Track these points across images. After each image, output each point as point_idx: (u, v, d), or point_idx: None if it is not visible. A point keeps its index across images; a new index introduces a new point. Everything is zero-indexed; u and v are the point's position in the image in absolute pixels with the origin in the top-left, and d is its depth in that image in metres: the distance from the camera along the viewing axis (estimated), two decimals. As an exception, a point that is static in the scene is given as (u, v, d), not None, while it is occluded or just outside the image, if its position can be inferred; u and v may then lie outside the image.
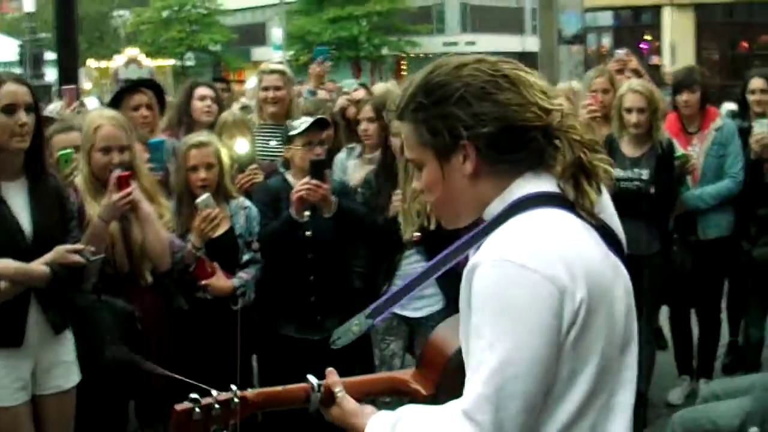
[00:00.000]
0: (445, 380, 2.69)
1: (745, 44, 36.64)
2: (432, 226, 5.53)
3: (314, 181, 5.58)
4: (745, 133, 7.50)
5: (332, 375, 2.78)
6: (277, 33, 45.59)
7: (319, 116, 6.14)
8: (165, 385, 3.74)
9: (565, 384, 2.34)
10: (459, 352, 2.56)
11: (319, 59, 8.42)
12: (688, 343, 7.71)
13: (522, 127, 2.42)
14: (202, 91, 7.55)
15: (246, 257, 5.82)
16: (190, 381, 2.81)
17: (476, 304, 2.32)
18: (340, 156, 7.12)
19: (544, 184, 2.43)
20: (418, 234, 5.82)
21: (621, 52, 7.95)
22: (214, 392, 2.71)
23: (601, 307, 2.36)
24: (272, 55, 38.94)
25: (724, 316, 7.94)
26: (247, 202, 5.93)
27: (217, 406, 2.69)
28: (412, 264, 5.96)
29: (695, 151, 7.37)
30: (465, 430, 2.30)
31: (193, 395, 2.66)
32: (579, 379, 2.35)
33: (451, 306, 5.90)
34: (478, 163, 2.43)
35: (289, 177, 6.05)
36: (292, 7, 50.51)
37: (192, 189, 5.72)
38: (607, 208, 2.56)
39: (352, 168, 6.94)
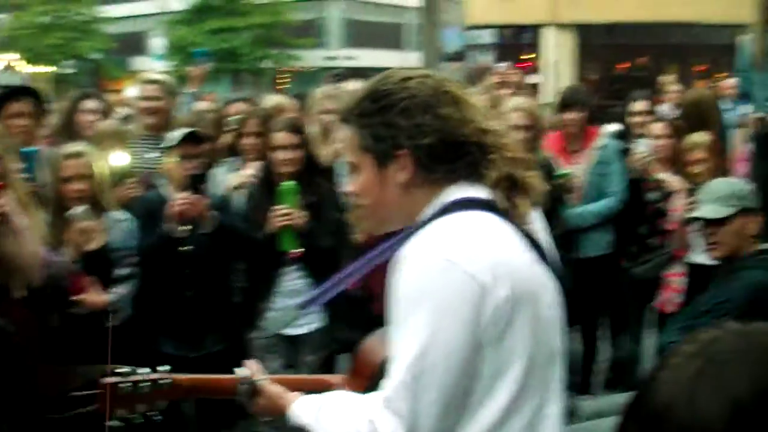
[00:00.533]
0: (372, 389, 2.67)
1: (624, 66, 37.33)
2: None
3: (193, 196, 5.44)
4: (625, 153, 7.60)
5: (253, 366, 2.86)
6: (157, 43, 45.14)
7: (192, 129, 5.99)
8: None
9: (489, 383, 2.39)
10: (386, 361, 2.58)
11: (199, 60, 8.28)
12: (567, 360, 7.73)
13: (459, 142, 2.51)
14: (90, 104, 7.35)
15: (122, 272, 5.61)
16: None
17: (401, 296, 2.38)
18: (219, 170, 6.92)
19: (476, 191, 2.50)
20: (297, 251, 5.75)
21: (502, 66, 7.99)
22: (143, 369, 2.72)
23: (527, 309, 2.40)
24: (152, 65, 38.52)
25: (606, 332, 8.02)
26: (124, 215, 5.72)
27: (146, 383, 2.68)
28: (293, 280, 5.90)
29: (577, 169, 7.41)
30: (384, 418, 2.37)
31: (123, 369, 2.67)
32: (504, 379, 2.40)
33: (332, 324, 5.87)
34: (413, 174, 2.52)
35: (167, 190, 5.90)
36: (173, 17, 49.97)
37: (66, 201, 5.49)
38: (535, 222, 2.63)
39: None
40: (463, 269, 2.32)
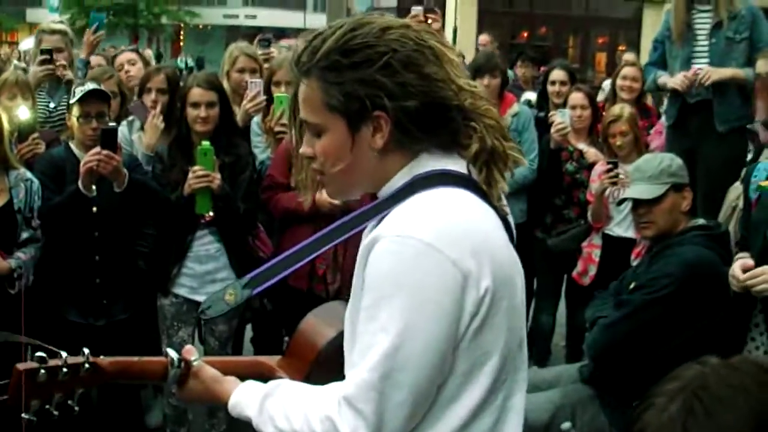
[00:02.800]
0: (313, 373, 2.50)
1: (524, 34, 37.47)
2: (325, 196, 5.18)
3: (105, 152, 5.14)
4: (541, 122, 7.50)
5: (188, 347, 2.63)
6: (54, -5, 44.10)
7: (95, 87, 5.64)
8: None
9: (463, 380, 2.19)
10: (330, 343, 2.50)
11: (93, 26, 7.86)
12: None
13: (442, 105, 2.24)
14: None
15: (25, 235, 5.28)
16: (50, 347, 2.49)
17: (371, 282, 2.13)
18: (122, 129, 6.44)
19: (452, 163, 2.27)
20: (211, 214, 5.50)
21: (418, 9, 7.57)
22: (63, 354, 2.42)
23: (505, 299, 2.21)
24: (48, 18, 37.66)
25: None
26: (29, 174, 5.36)
27: (65, 370, 2.40)
28: (204, 245, 5.68)
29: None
30: (345, 418, 2.15)
31: (40, 354, 2.37)
32: (480, 374, 2.21)
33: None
34: (389, 138, 2.22)
35: (73, 147, 5.58)
36: (71, -32, 48.96)
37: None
38: (504, 199, 2.41)
39: (138, 142, 6.41)
40: (444, 255, 2.09)
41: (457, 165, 2.28)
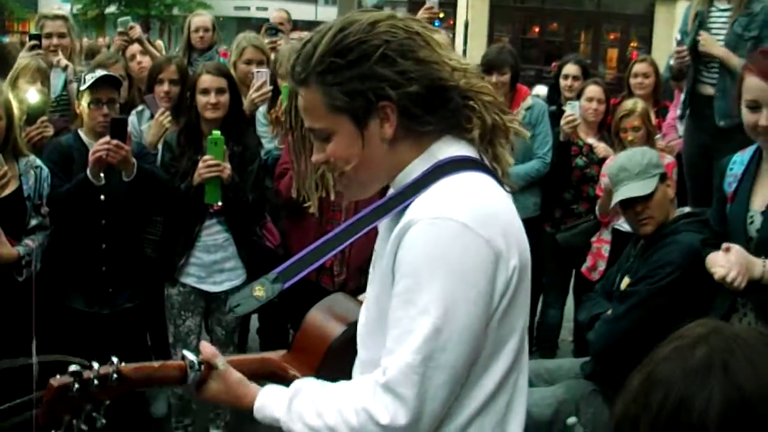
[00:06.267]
0: (324, 368, 2.49)
1: (535, 29, 37.46)
2: (333, 197, 5.22)
3: (115, 141, 5.12)
4: (553, 116, 7.47)
5: (208, 348, 2.56)
6: (66, -16, 44.20)
7: (108, 73, 5.62)
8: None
9: (486, 361, 2.23)
10: (340, 338, 2.52)
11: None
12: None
13: (441, 87, 2.28)
14: None
15: (34, 222, 5.20)
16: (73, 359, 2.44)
17: (407, 267, 2.15)
18: (131, 119, 6.44)
19: (465, 149, 2.33)
20: (220, 203, 5.48)
21: (434, 0, 7.47)
22: (95, 365, 2.39)
23: (525, 280, 2.27)
24: (61, 7, 37.78)
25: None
26: (39, 161, 5.29)
27: (96, 382, 2.36)
28: (212, 235, 5.66)
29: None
30: (383, 405, 2.16)
31: (74, 367, 2.34)
32: (502, 354, 2.26)
33: (251, 281, 5.61)
34: (397, 126, 2.28)
35: (83, 134, 5.55)
36: (82, -42, 48.98)
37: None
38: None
39: (147, 132, 6.36)
40: (479, 234, 2.13)
41: (470, 151, 2.32)
